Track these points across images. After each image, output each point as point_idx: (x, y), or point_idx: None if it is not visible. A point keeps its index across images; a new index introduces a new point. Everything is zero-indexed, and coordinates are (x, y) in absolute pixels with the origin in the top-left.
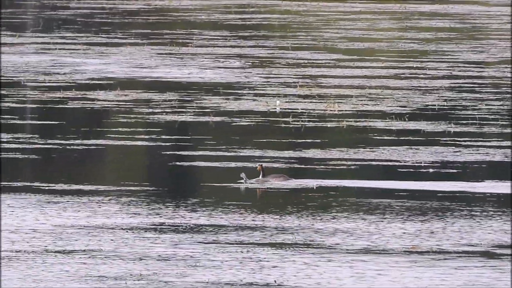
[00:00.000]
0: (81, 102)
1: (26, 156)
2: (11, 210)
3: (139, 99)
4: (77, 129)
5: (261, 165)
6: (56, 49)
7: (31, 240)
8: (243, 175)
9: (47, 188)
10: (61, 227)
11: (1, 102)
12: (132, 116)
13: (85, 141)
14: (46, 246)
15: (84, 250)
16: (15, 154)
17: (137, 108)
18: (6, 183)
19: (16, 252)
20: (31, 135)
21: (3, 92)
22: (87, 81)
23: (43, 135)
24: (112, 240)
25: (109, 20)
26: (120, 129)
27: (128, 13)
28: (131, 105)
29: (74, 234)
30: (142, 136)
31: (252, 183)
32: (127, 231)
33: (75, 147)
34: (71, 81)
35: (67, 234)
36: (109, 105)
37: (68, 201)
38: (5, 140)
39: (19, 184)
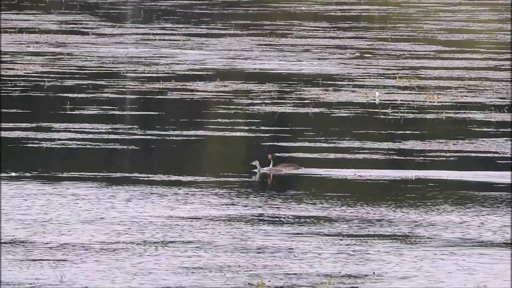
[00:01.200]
0: (180, 93)
1: (125, 147)
2: (112, 201)
3: (238, 90)
4: (176, 120)
5: (272, 154)
6: (156, 40)
7: (137, 231)
8: (256, 163)
9: (146, 179)
10: (158, 218)
11: None
12: (231, 107)
13: (185, 132)
14: (148, 237)
15: (184, 241)
16: (115, 145)
17: (236, 99)
18: (107, 173)
19: (125, 243)
20: (131, 126)
21: (103, 82)
22: (187, 72)
23: (143, 126)
24: (211, 231)
25: (209, 11)
26: (219, 120)
27: (228, 4)
28: (231, 96)
29: (174, 226)
30: (242, 127)
31: (264, 171)
32: (225, 222)
33: (174, 138)
34: (170, 72)
35: (167, 225)
36: (209, 96)
37: (167, 193)
38: (104, 130)
39: (118, 175)
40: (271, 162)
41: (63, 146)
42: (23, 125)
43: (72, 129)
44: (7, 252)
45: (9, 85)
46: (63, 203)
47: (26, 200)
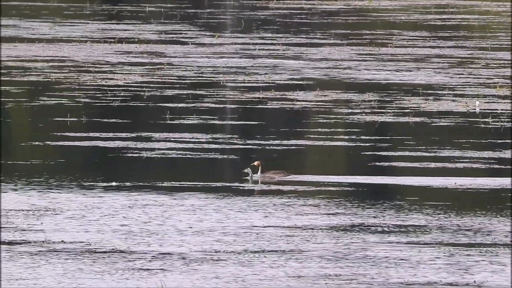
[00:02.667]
0: (280, 102)
1: (225, 156)
2: (213, 211)
3: (338, 100)
4: (276, 130)
5: (259, 161)
6: (255, 49)
7: (239, 240)
8: (248, 170)
9: (246, 188)
10: (258, 227)
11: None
12: (331, 116)
13: (284, 142)
14: (249, 247)
15: (285, 251)
16: (215, 154)
17: (336, 109)
18: (207, 183)
19: (216, 252)
20: (231, 135)
21: (202, 92)
22: (286, 82)
23: (243, 135)
24: (309, 240)
25: (308, 21)
26: (319, 129)
27: (327, 14)
28: (331, 105)
29: (272, 234)
30: (342, 137)
31: (256, 178)
32: (325, 232)
33: (274, 147)
34: (270, 81)
35: (265, 234)
36: (309, 106)
37: (267, 202)
38: (204, 140)
39: (219, 184)
40: (259, 169)
41: (163, 155)
42: (123, 135)
43: (172, 139)
44: (108, 262)
45: (109, 95)
46: (164, 212)
47: (126, 209)
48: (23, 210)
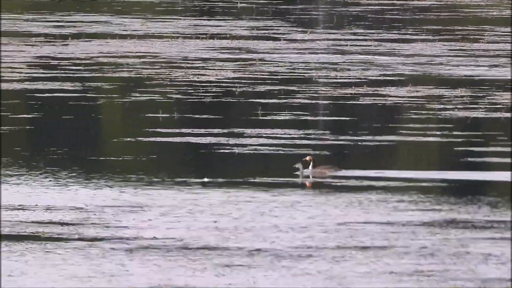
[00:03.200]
0: (372, 98)
1: (317, 152)
2: (307, 207)
3: (430, 95)
4: (368, 125)
5: (311, 156)
6: (347, 45)
7: (324, 236)
8: (299, 165)
9: (339, 184)
10: (353, 223)
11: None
12: (423, 112)
13: (377, 137)
14: (342, 243)
15: (376, 247)
16: (307, 150)
17: (428, 104)
18: (297, 179)
19: (308, 248)
20: (323, 131)
21: (294, 88)
22: (378, 77)
23: (335, 131)
24: (404, 236)
25: (400, 17)
26: (411, 125)
27: (419, 10)
28: (423, 101)
29: (367, 230)
30: (434, 132)
31: (307, 173)
32: (418, 227)
33: (367, 143)
34: (362, 77)
35: (360, 230)
36: (401, 101)
37: (361, 198)
38: (296, 136)
39: (311, 180)
40: (310, 164)
41: (255, 151)
42: (215, 131)
43: (264, 135)
44: (200, 258)
45: (201, 91)
46: (257, 208)
47: (218, 206)
48: (115, 206)
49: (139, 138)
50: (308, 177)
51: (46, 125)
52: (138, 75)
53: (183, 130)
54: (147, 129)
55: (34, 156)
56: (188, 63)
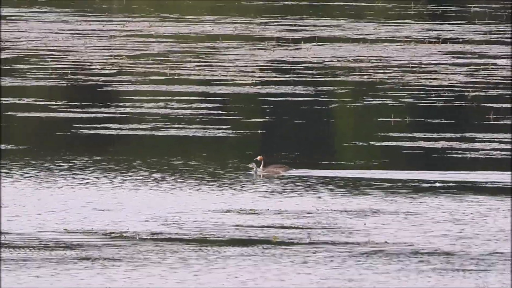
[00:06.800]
0: None
1: None
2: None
3: None
4: None
5: (262, 156)
6: None
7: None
8: (253, 165)
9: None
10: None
11: None
12: None
13: None
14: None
15: None
16: None
17: None
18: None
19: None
20: None
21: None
22: None
23: None
24: None
25: None
26: None
27: None
28: None
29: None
30: None
31: (259, 172)
32: None
33: None
34: None
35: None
36: None
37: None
38: None
39: None
40: (261, 163)
41: (487, 156)
42: (447, 135)
43: (496, 139)
44: (431, 263)
45: (433, 95)
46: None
47: (455, 212)
48: (344, 211)
49: (371, 142)
50: (260, 176)
51: (278, 129)
52: (370, 79)
53: (415, 135)
54: (378, 133)
55: (266, 160)
56: (420, 67)
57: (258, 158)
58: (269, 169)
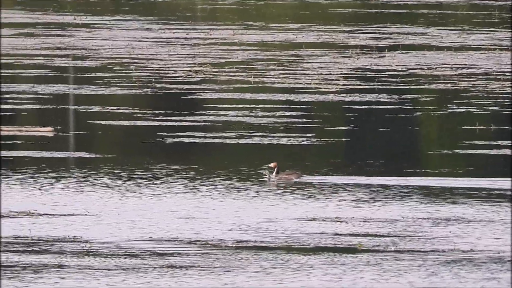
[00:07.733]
0: None
1: None
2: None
3: None
4: None
5: (276, 163)
6: None
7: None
8: (266, 171)
9: None
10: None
11: None
12: None
13: None
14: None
15: None
16: None
17: None
18: None
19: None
20: None
21: None
22: None
23: None
24: None
25: None
26: None
27: None
28: None
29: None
30: None
31: (272, 179)
32: None
33: None
34: None
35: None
36: None
37: None
38: None
39: None
40: (274, 170)
41: None
42: None
43: None
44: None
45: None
46: None
47: None
48: (430, 219)
49: (455, 150)
50: (274, 182)
51: (362, 137)
52: (454, 87)
53: (500, 143)
54: (463, 142)
55: (352, 166)
56: (505, 75)
57: (272, 164)
58: (282, 176)
